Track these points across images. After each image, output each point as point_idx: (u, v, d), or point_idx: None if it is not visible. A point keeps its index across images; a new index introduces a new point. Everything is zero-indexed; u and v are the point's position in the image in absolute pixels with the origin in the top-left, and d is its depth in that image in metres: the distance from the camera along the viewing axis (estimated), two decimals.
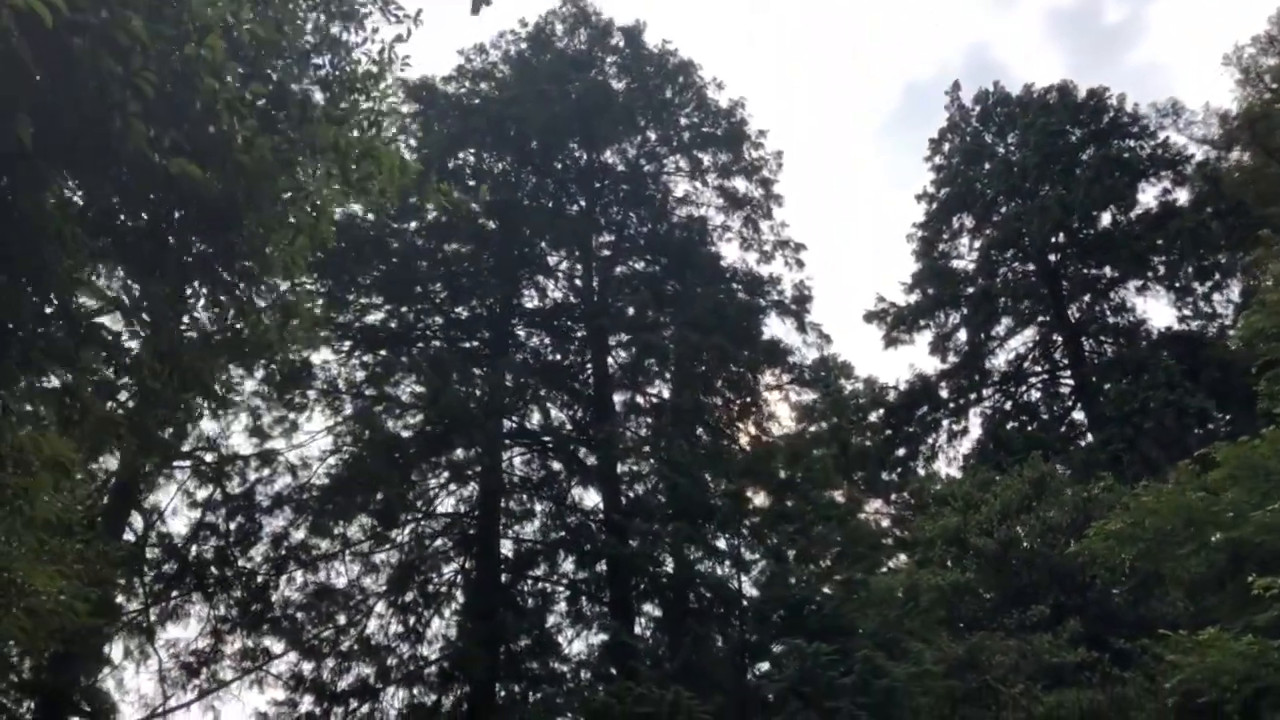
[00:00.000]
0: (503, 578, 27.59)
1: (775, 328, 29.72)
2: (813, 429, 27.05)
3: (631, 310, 28.10)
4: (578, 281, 29.86)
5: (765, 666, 21.67)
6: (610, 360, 28.89)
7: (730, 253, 30.20)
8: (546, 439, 28.07)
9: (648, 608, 26.11)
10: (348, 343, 28.86)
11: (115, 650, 24.85)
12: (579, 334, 29.10)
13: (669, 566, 23.89)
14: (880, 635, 19.54)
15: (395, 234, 28.37)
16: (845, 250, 74.44)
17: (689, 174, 30.64)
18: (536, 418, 28.56)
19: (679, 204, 30.62)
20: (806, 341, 29.00)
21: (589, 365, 28.66)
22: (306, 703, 27.35)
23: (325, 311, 24.39)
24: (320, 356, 28.33)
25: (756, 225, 29.87)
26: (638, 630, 25.33)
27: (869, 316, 39.02)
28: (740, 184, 30.42)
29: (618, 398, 28.38)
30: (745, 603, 22.16)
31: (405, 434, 27.94)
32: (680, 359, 25.34)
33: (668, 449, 23.34)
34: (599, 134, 29.79)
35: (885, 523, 35.21)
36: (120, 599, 23.79)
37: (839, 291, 73.14)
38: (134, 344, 7.44)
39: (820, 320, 29.52)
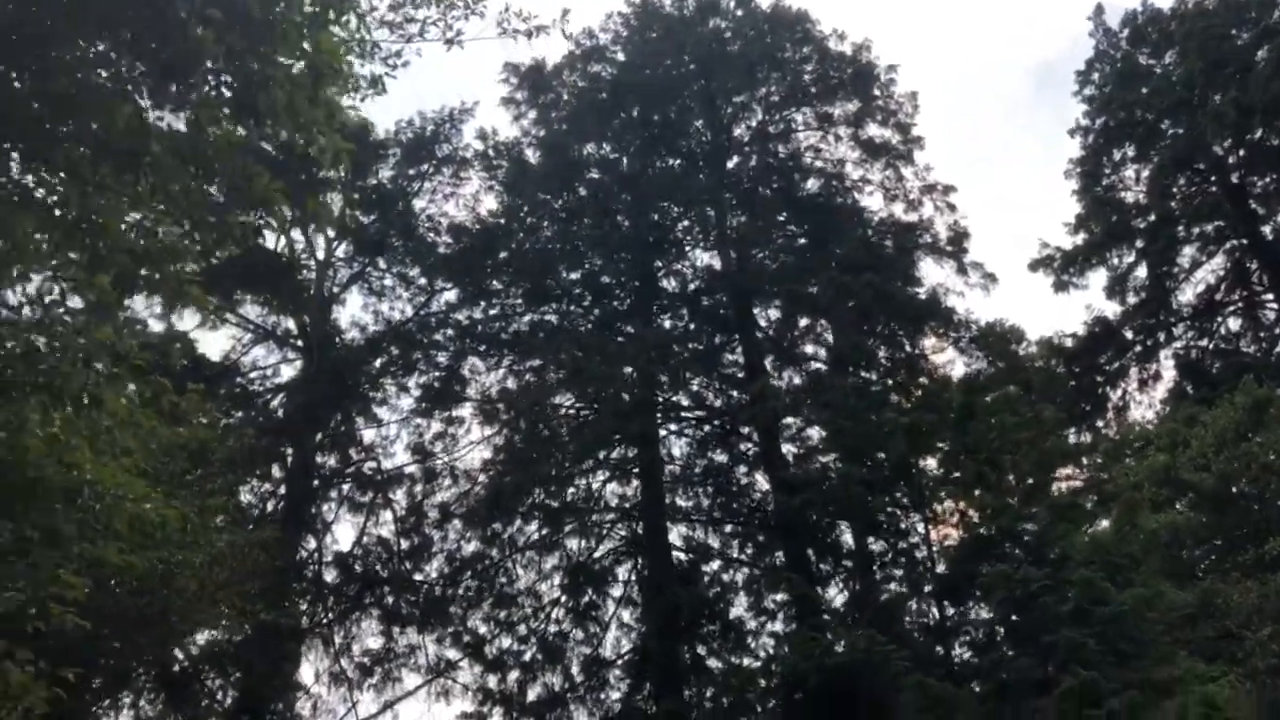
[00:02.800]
0: (675, 560, 26.66)
1: (932, 274, 27.99)
2: (984, 375, 25.00)
3: (774, 266, 26.92)
4: (715, 253, 28.90)
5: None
6: (758, 321, 27.78)
7: (873, 204, 28.47)
8: (701, 414, 27.17)
9: (825, 567, 24.72)
10: (495, 352, 28.74)
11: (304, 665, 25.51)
12: (722, 304, 28.04)
13: (845, 520, 22.55)
14: (1098, 561, 17.54)
15: (529, 230, 28.12)
16: (986, 199, 70.86)
17: (818, 128, 29.22)
18: (686, 399, 27.70)
19: (812, 160, 29.24)
20: (969, 284, 27.04)
21: (736, 336, 27.57)
22: (496, 716, 27.27)
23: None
24: (469, 367, 28.38)
25: (898, 172, 28.19)
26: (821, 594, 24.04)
27: (1035, 264, 36.41)
28: (875, 131, 28.81)
29: (769, 359, 27.19)
30: (932, 540, 20.58)
31: (562, 434, 27.45)
32: (832, 305, 23.93)
33: (829, 394, 21.96)
34: (720, 99, 28.84)
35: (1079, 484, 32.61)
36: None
37: (987, 246, 69.51)
38: None
39: (982, 261, 27.52)
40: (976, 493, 19.47)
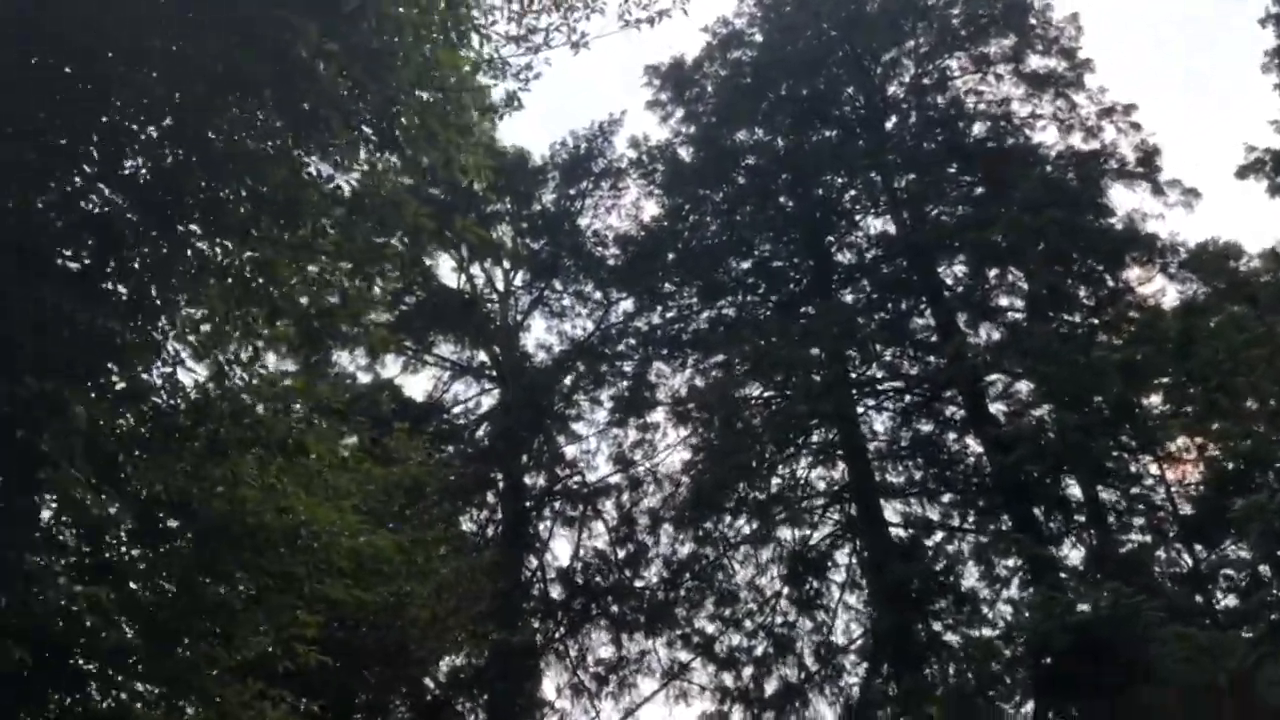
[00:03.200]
0: (894, 538, 25.89)
1: (1125, 201, 26.08)
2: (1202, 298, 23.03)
3: (951, 220, 25.79)
4: (887, 217, 27.98)
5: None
6: (943, 280, 26.68)
7: (1048, 138, 26.76)
8: (898, 385, 26.35)
9: (1055, 525, 23.40)
10: (678, 353, 28.82)
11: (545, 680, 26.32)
12: (903, 269, 27.10)
13: (1069, 472, 21.30)
14: None
15: (693, 228, 28.12)
16: (1174, 112, 65.55)
17: (976, 70, 27.80)
18: (880, 371, 26.94)
19: (975, 105, 27.86)
20: (1167, 204, 25.02)
21: (923, 299, 26.58)
22: (737, 713, 27.26)
23: None
24: (655, 372, 28.59)
25: (1070, 100, 26.41)
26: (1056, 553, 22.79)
27: (1243, 171, 33.19)
28: (1037, 63, 27.09)
29: (962, 318, 26.02)
30: (1169, 481, 19.10)
31: (757, 426, 27.18)
32: (1020, 250, 22.65)
33: (1031, 343, 20.79)
34: (868, 60, 27.97)
35: None
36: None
37: (1183, 163, 64.16)
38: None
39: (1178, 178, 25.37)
40: (1212, 425, 17.93)
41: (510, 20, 8.17)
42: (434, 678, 24.17)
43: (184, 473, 8.24)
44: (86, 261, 6.23)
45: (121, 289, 6.81)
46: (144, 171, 6.88)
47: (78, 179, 6.34)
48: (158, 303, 7.34)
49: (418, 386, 27.99)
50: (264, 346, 9.70)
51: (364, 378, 26.89)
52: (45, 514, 6.88)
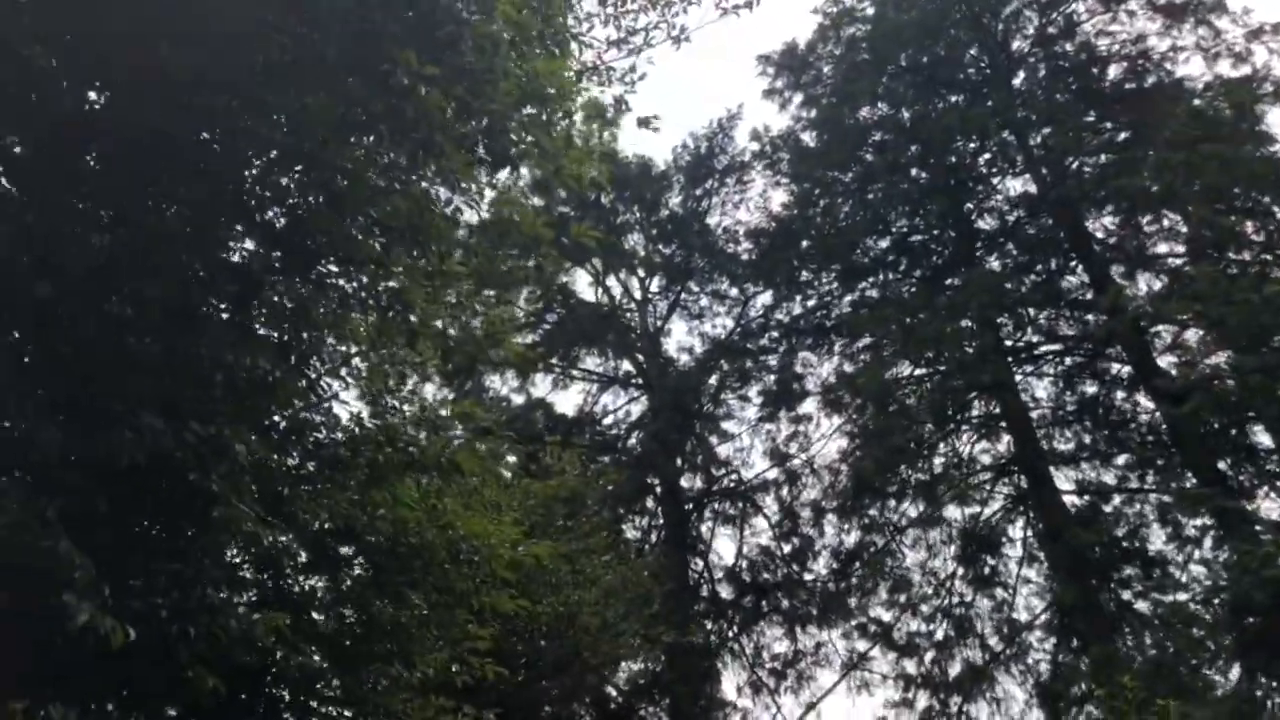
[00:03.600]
0: (1069, 506, 24.80)
1: None
2: None
3: (1095, 170, 24.53)
4: (1026, 176, 26.88)
5: None
6: (1093, 233, 25.44)
7: (1192, 70, 25.25)
8: (1056, 348, 25.29)
9: (1244, 477, 21.93)
10: (823, 341, 28.46)
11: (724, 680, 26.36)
12: (1048, 227, 25.99)
13: (1253, 419, 19.93)
14: None
15: (824, 213, 27.70)
16: None
17: (1104, 10, 26.36)
18: (1035, 336, 25.89)
19: (1107, 47, 26.45)
20: None
21: (1073, 256, 25.41)
22: (921, 699, 26.65)
23: None
24: (801, 362, 28.30)
25: (1212, 27, 24.73)
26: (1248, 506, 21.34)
27: None
28: None
29: (1117, 270, 24.75)
30: None
31: (911, 406, 26.54)
32: (1174, 192, 21.31)
33: (1196, 288, 19.54)
34: (987, 18, 26.97)
35: None
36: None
37: None
38: None
39: None
40: None
41: (608, 23, 8.28)
42: (614, 684, 24.59)
43: (349, 501, 8.64)
44: (232, 309, 6.61)
45: (271, 332, 7.19)
46: (280, 218, 7.26)
47: (219, 233, 6.74)
48: (305, 341, 7.74)
49: (568, 402, 28.61)
50: (413, 376, 10.10)
51: (517, 399, 27.65)
52: (230, 551, 7.31)
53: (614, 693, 24.66)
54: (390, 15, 5.93)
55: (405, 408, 9.26)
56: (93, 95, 6.78)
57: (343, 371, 8.75)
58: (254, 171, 6.91)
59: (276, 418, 7.91)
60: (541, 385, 28.46)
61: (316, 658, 7.45)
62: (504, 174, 7.71)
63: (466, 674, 10.59)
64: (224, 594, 6.52)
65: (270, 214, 7.17)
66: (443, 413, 9.28)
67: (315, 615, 7.84)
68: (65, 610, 5.51)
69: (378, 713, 9.39)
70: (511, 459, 16.54)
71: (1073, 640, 24.30)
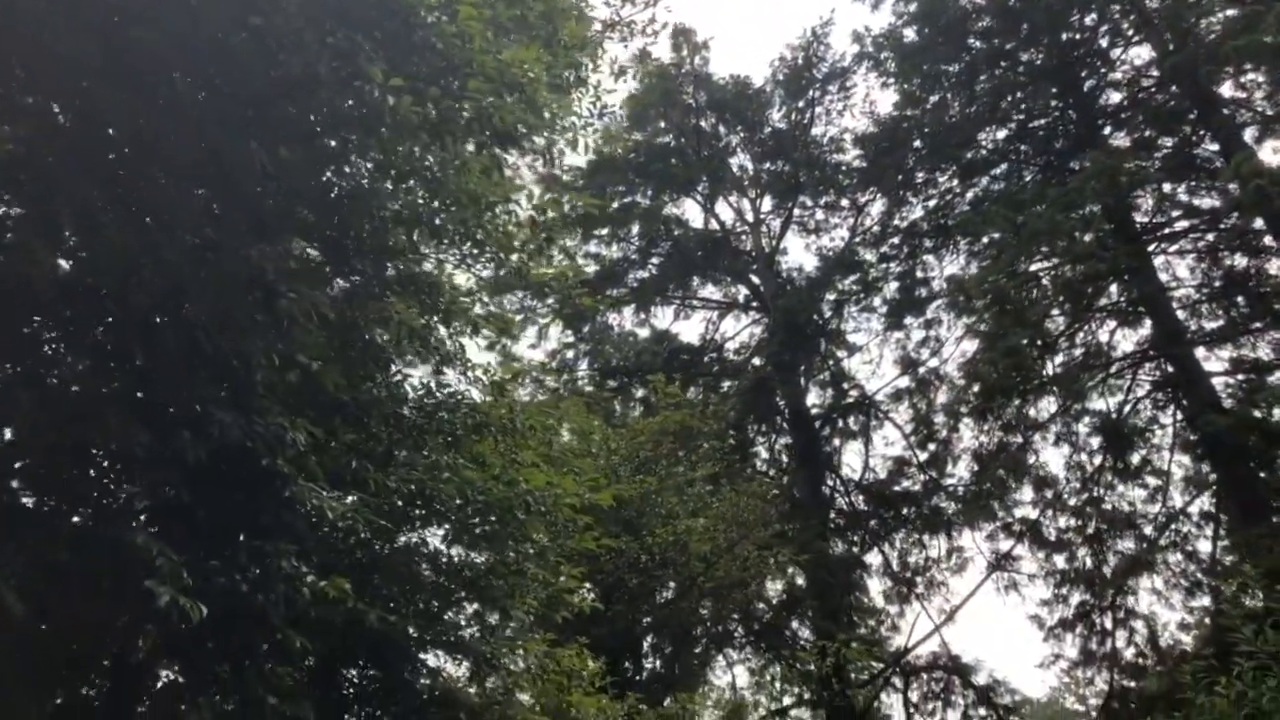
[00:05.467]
0: (1221, 388, 23.65)
1: None
2: None
3: (1219, 29, 22.73)
4: (1146, 45, 25.16)
5: None
6: (1221, 95, 23.67)
7: None
8: (1194, 221, 23.89)
9: None
10: (946, 241, 27.73)
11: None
12: (1174, 96, 24.34)
13: None
14: None
15: (935, 109, 26.76)
16: None
17: None
18: (1172, 211, 24.48)
19: None
20: None
21: (1201, 124, 23.77)
22: (1076, 595, 26.28)
23: None
24: (923, 266, 27.71)
25: None
26: None
27: None
28: None
29: (1251, 133, 23.03)
30: None
31: (1042, 300, 25.66)
32: None
33: None
34: None
35: None
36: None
37: None
38: None
39: None
40: None
41: None
42: (765, 601, 25.29)
43: (426, 466, 9.41)
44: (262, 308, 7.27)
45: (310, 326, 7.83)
46: (312, 219, 7.91)
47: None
48: (359, 324, 8.44)
49: (692, 331, 28.96)
50: (519, 326, 10.70)
51: (642, 333, 28.17)
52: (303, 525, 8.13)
53: (764, 608, 25.44)
54: (365, 32, 6.37)
55: (469, 373, 9.88)
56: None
57: (405, 343, 9.30)
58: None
59: (345, 398, 8.60)
60: (663, 317, 28.92)
61: (395, 617, 8.21)
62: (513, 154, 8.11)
63: (565, 611, 11.34)
64: (297, 564, 7.35)
65: (304, 213, 7.79)
66: (495, 377, 9.82)
67: (377, 579, 8.63)
68: (151, 594, 6.41)
69: (481, 657, 10.18)
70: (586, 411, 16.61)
71: (1225, 522, 23.39)
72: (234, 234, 7.38)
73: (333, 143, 7.36)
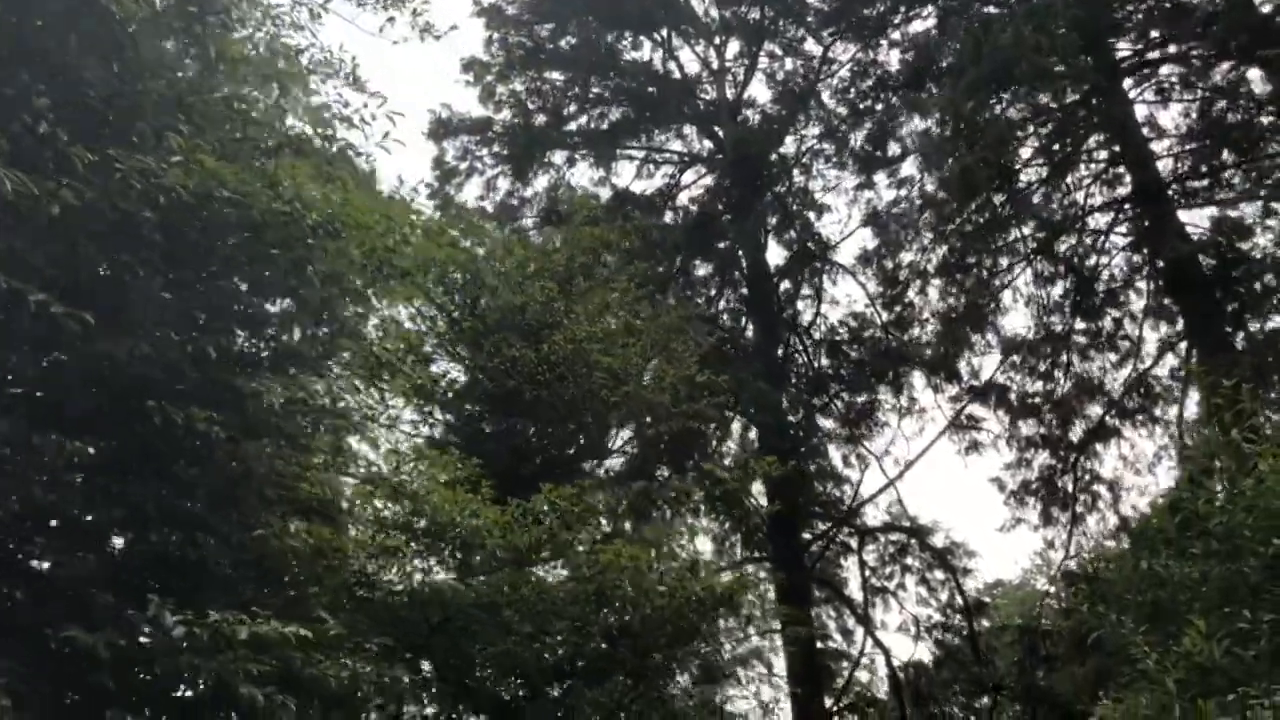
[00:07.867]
0: (1204, 254, 22.33)
1: None
2: None
3: None
4: None
5: None
6: None
7: None
8: (1168, 51, 22.31)
9: None
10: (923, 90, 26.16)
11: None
12: None
13: None
14: None
15: None
16: None
17: None
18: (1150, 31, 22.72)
19: None
20: None
21: None
22: (1041, 458, 25.53)
23: None
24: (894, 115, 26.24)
25: None
26: None
27: None
28: None
29: None
30: None
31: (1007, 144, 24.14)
32: None
33: None
34: None
35: None
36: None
37: None
38: None
39: None
40: None
41: None
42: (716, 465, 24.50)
43: None
44: None
45: None
46: None
47: None
48: None
49: (653, 188, 27.47)
50: None
51: (604, 193, 26.55)
52: None
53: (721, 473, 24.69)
54: None
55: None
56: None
57: None
58: None
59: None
60: (624, 175, 27.58)
61: None
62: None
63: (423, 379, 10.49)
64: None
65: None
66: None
67: None
68: None
69: None
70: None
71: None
72: None
73: None
